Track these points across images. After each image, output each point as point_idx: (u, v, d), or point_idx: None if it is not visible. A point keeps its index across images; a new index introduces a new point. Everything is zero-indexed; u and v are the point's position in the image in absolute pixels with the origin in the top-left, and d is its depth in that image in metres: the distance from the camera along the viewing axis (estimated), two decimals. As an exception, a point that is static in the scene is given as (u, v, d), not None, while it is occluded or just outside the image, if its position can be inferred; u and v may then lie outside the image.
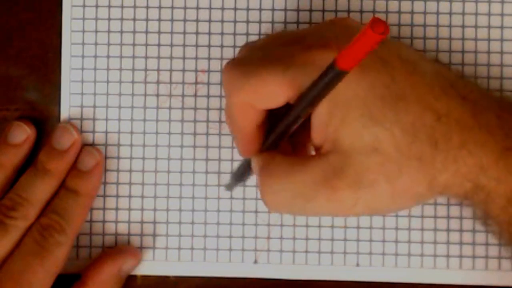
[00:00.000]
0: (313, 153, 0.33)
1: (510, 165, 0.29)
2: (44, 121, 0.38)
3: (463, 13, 0.38)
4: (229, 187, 0.38)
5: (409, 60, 0.30)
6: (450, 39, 0.38)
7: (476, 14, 0.38)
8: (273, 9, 0.38)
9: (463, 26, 0.38)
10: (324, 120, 0.29)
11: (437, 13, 0.38)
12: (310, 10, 0.38)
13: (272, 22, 0.38)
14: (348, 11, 0.38)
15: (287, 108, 0.30)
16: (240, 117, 0.32)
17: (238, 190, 0.38)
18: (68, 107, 0.38)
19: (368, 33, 0.24)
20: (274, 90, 0.30)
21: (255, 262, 0.38)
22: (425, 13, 0.38)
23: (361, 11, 0.38)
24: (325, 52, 0.29)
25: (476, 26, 0.38)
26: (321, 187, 0.29)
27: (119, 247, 0.38)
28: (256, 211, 0.38)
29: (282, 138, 0.32)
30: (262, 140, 0.32)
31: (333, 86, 0.28)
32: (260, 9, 0.38)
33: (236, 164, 0.37)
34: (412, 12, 0.38)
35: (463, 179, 0.29)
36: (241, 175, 0.36)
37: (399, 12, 0.38)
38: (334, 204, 0.30)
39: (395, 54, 0.30)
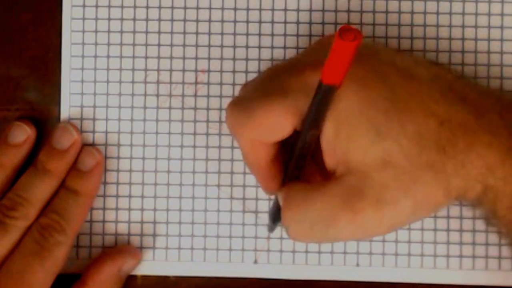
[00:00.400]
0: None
1: None
2: (44, 121, 0.38)
3: (463, 13, 0.38)
4: (270, 229, 0.37)
5: (404, 68, 0.30)
6: (450, 39, 0.38)
7: (476, 14, 0.38)
8: (273, 9, 0.38)
9: (463, 26, 0.38)
10: (331, 141, 0.29)
11: (437, 13, 0.38)
12: (310, 10, 0.38)
13: (272, 22, 0.38)
14: (348, 11, 0.38)
15: (297, 136, 0.30)
16: (252, 155, 0.32)
17: (238, 190, 0.38)
18: (68, 107, 0.38)
19: (338, 43, 0.24)
20: (278, 120, 0.30)
21: (255, 262, 0.38)
22: (425, 13, 0.38)
23: (361, 11, 0.38)
24: (316, 72, 0.28)
25: (476, 26, 0.38)
26: (340, 211, 0.29)
27: (119, 247, 0.38)
28: (256, 211, 0.38)
29: (301, 168, 0.32)
30: (281, 174, 0.32)
31: (328, 103, 0.28)
32: (260, 9, 0.38)
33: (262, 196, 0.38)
34: (412, 12, 0.38)
35: (474, 182, 0.29)
36: (276, 214, 0.35)
37: (399, 12, 0.38)
38: (357, 227, 0.29)
39: (389, 64, 0.30)
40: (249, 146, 0.31)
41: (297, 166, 0.31)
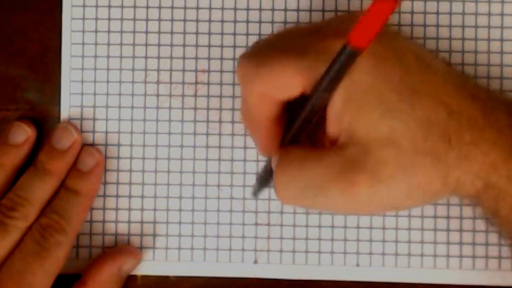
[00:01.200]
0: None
1: None
2: (44, 121, 0.38)
3: (463, 13, 0.38)
4: (255, 192, 0.37)
5: (422, 58, 0.30)
6: (450, 39, 0.38)
7: (476, 14, 0.38)
8: (273, 9, 0.38)
9: (463, 26, 0.38)
10: (340, 109, 0.29)
11: (437, 13, 0.38)
12: (310, 10, 0.38)
13: (272, 22, 0.38)
14: (349, 11, 0.38)
15: (303, 101, 0.30)
16: (256, 109, 0.31)
17: (238, 190, 0.38)
18: (68, 107, 0.38)
19: (377, 2, 0.23)
20: (289, 80, 0.30)
21: (255, 262, 0.38)
22: (424, 13, 0.38)
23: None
24: (338, 40, 0.28)
25: (476, 26, 0.38)
26: (335, 179, 0.29)
27: (119, 247, 0.38)
28: (256, 211, 0.38)
29: (301, 134, 0.31)
30: (280, 137, 0.32)
31: (346, 68, 0.27)
32: (260, 9, 0.38)
33: (253, 168, 0.38)
34: (412, 12, 0.38)
35: (474, 177, 0.29)
36: (265, 178, 0.35)
37: (399, 12, 0.38)
38: (348, 198, 0.29)
39: (408, 50, 0.30)
40: (256, 99, 0.31)
41: (298, 132, 0.31)
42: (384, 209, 0.31)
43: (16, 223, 0.35)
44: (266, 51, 0.31)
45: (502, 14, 0.38)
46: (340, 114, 0.29)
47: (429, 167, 0.29)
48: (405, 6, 0.38)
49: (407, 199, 0.29)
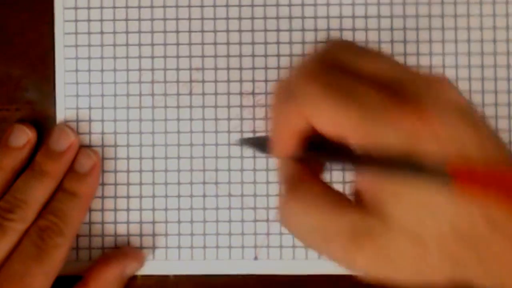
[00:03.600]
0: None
1: None
2: (44, 120, 0.38)
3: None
4: (242, 143, 0.36)
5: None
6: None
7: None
8: (265, 5, 0.38)
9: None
10: (380, 184, 0.26)
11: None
12: (302, 5, 0.38)
13: (265, 18, 0.38)
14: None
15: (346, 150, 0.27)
16: (285, 116, 0.28)
17: (236, 187, 0.38)
18: (63, 109, 0.38)
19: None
20: (338, 124, 0.26)
21: (255, 258, 0.38)
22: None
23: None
24: (424, 126, 0.24)
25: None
26: (345, 239, 0.27)
27: (124, 249, 0.38)
28: (254, 208, 0.38)
29: (322, 161, 0.29)
30: (295, 145, 0.29)
31: (421, 176, 0.23)
32: (252, 5, 0.38)
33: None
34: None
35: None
36: (259, 145, 0.33)
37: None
38: (348, 260, 0.27)
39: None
40: (295, 108, 0.27)
41: (316, 160, 0.29)
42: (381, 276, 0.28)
43: (14, 225, 0.35)
44: (347, 81, 0.26)
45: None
46: (379, 185, 0.26)
47: (447, 270, 0.26)
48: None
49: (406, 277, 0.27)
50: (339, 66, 0.27)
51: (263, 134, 0.37)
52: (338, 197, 0.28)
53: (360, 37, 0.38)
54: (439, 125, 0.24)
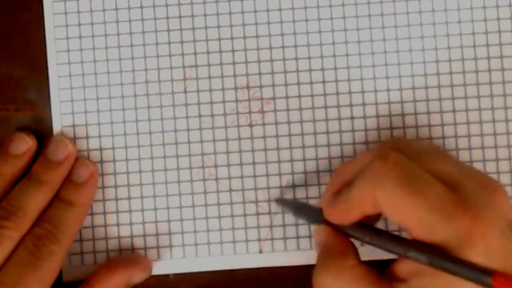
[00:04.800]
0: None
1: None
2: (44, 121, 0.38)
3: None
4: (280, 204, 0.37)
5: None
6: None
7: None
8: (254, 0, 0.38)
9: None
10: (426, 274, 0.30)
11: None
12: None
13: (255, 12, 0.38)
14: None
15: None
16: (360, 193, 0.31)
17: (236, 182, 0.38)
18: (59, 115, 0.38)
19: None
20: (406, 214, 0.29)
21: (260, 251, 0.38)
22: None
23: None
24: (475, 237, 0.28)
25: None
26: None
27: (134, 257, 0.37)
28: (256, 201, 0.38)
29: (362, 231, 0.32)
30: (348, 219, 0.32)
31: (461, 276, 0.27)
32: (242, 1, 0.38)
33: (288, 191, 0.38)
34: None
35: None
36: (298, 210, 0.36)
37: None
38: None
39: None
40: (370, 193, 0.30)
41: (365, 238, 0.32)
42: None
43: (9, 232, 0.34)
44: (421, 178, 0.30)
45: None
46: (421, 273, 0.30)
47: None
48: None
49: None
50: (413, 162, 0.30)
51: (302, 200, 0.38)
52: (377, 280, 0.31)
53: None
54: (489, 236, 0.28)
